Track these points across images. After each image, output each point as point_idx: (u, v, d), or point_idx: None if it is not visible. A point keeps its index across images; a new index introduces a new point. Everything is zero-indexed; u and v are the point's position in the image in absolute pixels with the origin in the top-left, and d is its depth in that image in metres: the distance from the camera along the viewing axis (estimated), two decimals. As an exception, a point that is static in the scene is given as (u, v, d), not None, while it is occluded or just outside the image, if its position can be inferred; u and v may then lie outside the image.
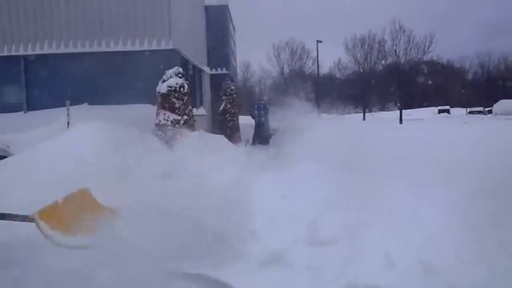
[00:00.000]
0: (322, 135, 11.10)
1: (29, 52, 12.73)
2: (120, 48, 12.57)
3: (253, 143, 18.44)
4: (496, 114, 46.14)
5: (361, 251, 4.08)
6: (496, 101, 50.26)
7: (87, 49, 12.62)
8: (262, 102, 19.27)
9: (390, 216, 4.64)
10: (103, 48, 12.59)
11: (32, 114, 11.89)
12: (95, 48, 12.60)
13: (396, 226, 4.44)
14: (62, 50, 12.65)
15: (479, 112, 54.03)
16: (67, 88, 11.88)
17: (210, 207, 4.92)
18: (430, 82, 60.10)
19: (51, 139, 7.53)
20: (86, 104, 12.12)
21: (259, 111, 18.52)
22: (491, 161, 6.00)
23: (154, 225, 4.30)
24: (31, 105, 12.54)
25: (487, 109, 54.44)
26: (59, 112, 9.82)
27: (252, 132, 18.95)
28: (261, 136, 18.47)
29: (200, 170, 7.22)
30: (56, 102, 11.21)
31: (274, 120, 20.50)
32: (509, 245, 4.01)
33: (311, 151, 8.57)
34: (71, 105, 9.32)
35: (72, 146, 7.43)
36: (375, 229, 4.42)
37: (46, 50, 12.70)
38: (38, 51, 12.72)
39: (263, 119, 18.29)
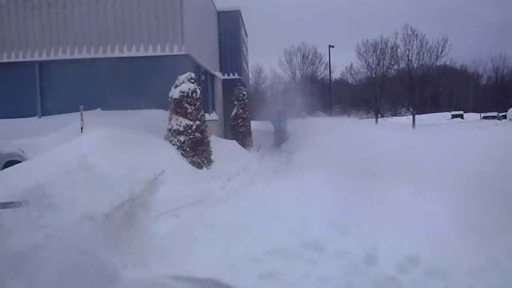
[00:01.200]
0: (333, 140, 11.09)
1: (44, 58, 12.88)
2: (133, 53, 12.68)
3: (276, 147, 18.97)
4: (510, 119, 45.62)
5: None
6: (510, 105, 49.70)
7: (100, 54, 12.74)
8: (280, 109, 20.02)
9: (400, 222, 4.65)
10: (117, 54, 12.70)
11: (46, 119, 12.02)
12: (108, 54, 12.71)
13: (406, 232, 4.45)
14: (76, 55, 12.79)
15: (493, 117, 53.50)
16: (81, 94, 11.99)
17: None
18: (443, 87, 59.67)
19: (64, 144, 7.60)
20: (99, 109, 12.22)
21: (278, 117, 19.09)
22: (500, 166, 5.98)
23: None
24: (46, 110, 12.68)
25: (501, 114, 53.88)
26: (73, 117, 9.93)
27: (263, 137, 19.30)
28: (279, 140, 19.01)
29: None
30: (70, 107, 11.33)
31: (287, 124, 20.86)
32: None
33: (322, 156, 8.55)
34: (84, 110, 9.41)
35: (84, 151, 7.50)
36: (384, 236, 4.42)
37: (60, 56, 12.84)
38: (52, 57, 12.87)
39: (281, 125, 18.97)
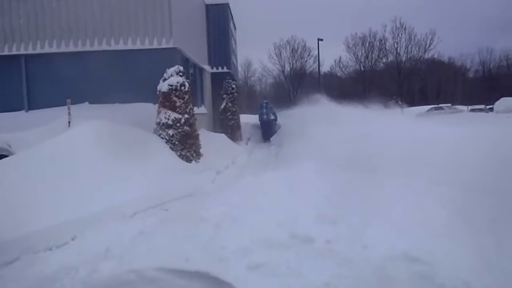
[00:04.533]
0: (322, 133, 11.13)
1: (30, 51, 12.73)
2: (121, 47, 12.58)
3: (264, 139, 18.98)
4: (497, 112, 46.06)
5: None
6: (497, 99, 50.15)
7: (88, 48, 12.62)
8: (265, 101, 20.17)
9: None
10: (104, 47, 12.60)
11: (33, 113, 11.91)
12: (96, 47, 12.61)
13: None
14: (63, 49, 12.66)
15: (481, 110, 54.00)
16: (68, 87, 11.89)
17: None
18: (431, 80, 60.01)
19: (51, 138, 7.54)
20: (87, 103, 12.13)
21: (262, 110, 19.12)
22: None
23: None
24: (32, 104, 12.56)
25: (488, 107, 54.40)
26: (60, 111, 9.84)
27: (252, 130, 19.38)
28: (268, 133, 19.05)
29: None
30: (57, 101, 11.22)
31: (275, 117, 20.89)
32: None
33: (312, 149, 8.57)
34: (72, 104, 9.33)
35: (72, 145, 7.46)
36: (374, 228, 4.45)
37: (47, 49, 12.71)
38: (39, 50, 12.73)
39: (265, 117, 18.97)
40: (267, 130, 19.32)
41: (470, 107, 58.48)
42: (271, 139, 18.61)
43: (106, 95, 11.95)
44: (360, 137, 9.42)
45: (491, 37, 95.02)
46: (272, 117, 19.33)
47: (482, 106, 56.30)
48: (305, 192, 5.43)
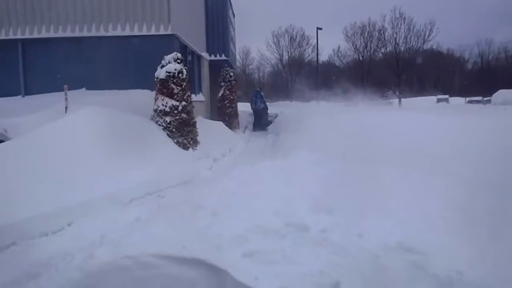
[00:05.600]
0: (319, 123, 11.15)
1: (27, 36, 12.64)
2: (118, 33, 12.49)
3: (254, 129, 18.77)
4: (494, 103, 46.17)
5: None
6: (495, 90, 50.23)
7: (85, 33, 12.53)
8: (259, 89, 19.92)
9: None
10: (102, 33, 12.50)
11: (30, 98, 11.85)
12: (93, 33, 12.51)
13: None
14: (60, 34, 12.56)
15: (478, 101, 54.12)
16: (65, 73, 11.80)
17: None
18: (429, 70, 59.97)
19: (48, 124, 7.52)
20: (84, 89, 12.07)
21: (256, 98, 18.92)
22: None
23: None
24: (29, 90, 12.49)
25: (485, 98, 54.52)
26: (57, 97, 9.80)
27: (249, 118, 19.36)
28: (260, 123, 18.85)
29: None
30: (54, 86, 11.16)
31: (272, 106, 20.74)
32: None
33: (309, 139, 8.58)
34: (69, 90, 9.29)
35: (69, 131, 7.44)
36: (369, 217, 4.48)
37: (44, 34, 12.61)
38: (36, 35, 12.62)
39: (255, 106, 18.90)
40: (257, 119, 19.28)
41: (467, 99, 58.60)
42: (267, 128, 18.60)
43: (104, 81, 11.90)
44: (357, 127, 9.45)
45: (490, 28, 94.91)
46: (262, 105, 19.10)
47: (479, 98, 56.42)
48: (301, 181, 5.46)
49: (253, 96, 19.52)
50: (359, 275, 3.68)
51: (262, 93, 19.62)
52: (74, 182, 6.28)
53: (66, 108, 8.94)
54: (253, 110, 19.43)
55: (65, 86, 9.17)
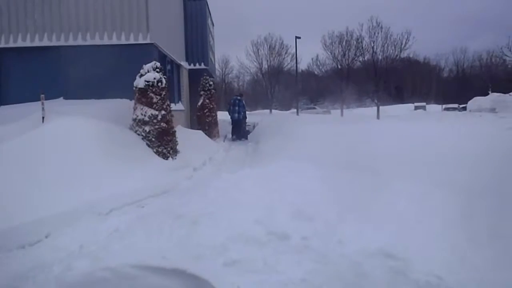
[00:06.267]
0: (300, 132, 11.20)
1: (3, 45, 12.45)
2: (96, 42, 12.39)
3: (232, 139, 18.51)
4: (470, 110, 47.08)
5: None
6: (470, 98, 51.22)
7: (62, 42, 12.40)
8: (238, 97, 19.02)
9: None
10: (80, 42, 12.39)
11: (5, 108, 11.65)
12: (71, 42, 12.39)
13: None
14: (36, 43, 12.41)
15: (454, 109, 55.21)
16: (42, 82, 11.65)
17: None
18: (407, 79, 60.83)
19: (25, 134, 7.41)
20: (61, 98, 11.92)
21: (234, 107, 18.38)
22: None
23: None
24: (5, 99, 12.28)
25: (461, 106, 55.66)
26: (34, 107, 9.65)
27: (230, 127, 19.04)
28: (239, 132, 18.51)
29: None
30: (30, 96, 11.00)
31: (252, 115, 20.47)
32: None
33: (289, 147, 8.60)
34: (46, 99, 9.16)
35: (46, 141, 7.34)
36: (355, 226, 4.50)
37: (20, 43, 12.44)
38: (12, 44, 12.45)
39: (236, 115, 18.25)
40: (237, 129, 18.63)
41: (444, 106, 59.68)
42: (248, 136, 18.48)
43: (82, 91, 11.77)
44: (336, 134, 9.52)
45: (465, 37, 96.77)
46: (242, 115, 18.31)
47: (455, 105, 57.55)
48: (282, 189, 5.46)
49: (231, 104, 18.63)
50: (341, 282, 3.69)
51: (243, 101, 18.87)
52: (51, 192, 6.19)
53: (43, 118, 8.81)
54: (232, 119, 18.62)
55: (42, 95, 9.04)
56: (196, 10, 20.53)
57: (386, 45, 41.54)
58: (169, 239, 4.26)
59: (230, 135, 18.86)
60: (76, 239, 5.11)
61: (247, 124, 19.76)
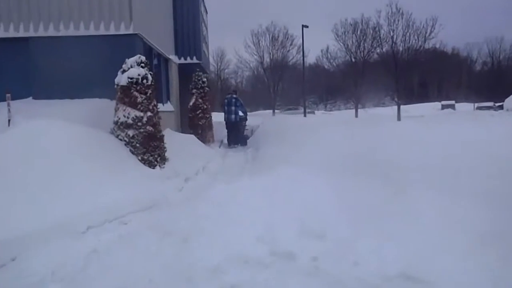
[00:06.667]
0: (307, 137, 11.22)
1: (-37, 36, 12.52)
2: (71, 32, 12.41)
3: (229, 144, 18.40)
4: (507, 109, 46.96)
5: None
6: (507, 95, 51.13)
7: (32, 33, 12.43)
8: (233, 95, 18.68)
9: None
10: (51, 33, 12.41)
11: (-33, 110, 11.70)
12: (41, 33, 12.41)
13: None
14: (1, 34, 12.44)
15: (489, 107, 55.04)
16: (8, 80, 11.68)
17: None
18: (432, 73, 60.82)
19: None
20: (30, 98, 11.96)
21: (229, 107, 18.25)
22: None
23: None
24: (-35, 100, 12.34)
25: (497, 104, 55.47)
26: (-2, 108, 9.70)
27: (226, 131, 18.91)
28: (236, 137, 18.31)
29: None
30: (-5, 96, 11.05)
31: (252, 117, 20.34)
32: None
33: (295, 153, 8.61)
34: (13, 99, 9.21)
35: (12, 148, 7.36)
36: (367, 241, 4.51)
37: (-18, 34, 12.49)
38: (-27, 36, 12.51)
39: (233, 116, 18.03)
40: (234, 133, 18.39)
41: (476, 105, 59.59)
42: (247, 141, 18.38)
43: (54, 89, 11.78)
44: (348, 138, 9.54)
45: (501, 24, 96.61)
46: (241, 115, 18.19)
47: (490, 104, 57.44)
48: (286, 202, 5.47)
49: (226, 104, 18.43)
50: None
51: (240, 99, 18.71)
52: (17, 208, 6.19)
53: (9, 121, 8.84)
54: (227, 122, 18.46)
55: (8, 95, 9.08)
56: (186, -5, 20.58)
57: (408, 34, 41.53)
58: (156, 260, 4.28)
59: (226, 140, 18.78)
60: (48, 262, 5.10)
61: (245, 127, 19.67)
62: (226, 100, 18.76)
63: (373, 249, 4.39)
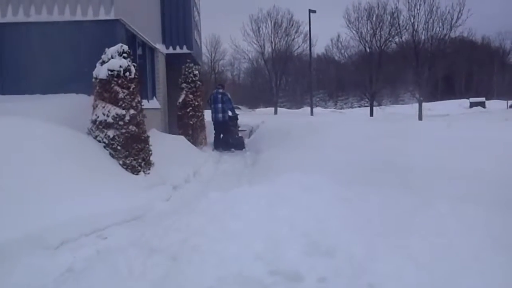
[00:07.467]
0: (315, 139, 11.24)
1: None
2: (43, 18, 12.42)
3: (215, 148, 18.06)
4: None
5: None
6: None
7: (-2, 19, 12.47)
8: (219, 89, 18.50)
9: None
10: (21, 18, 12.42)
11: None
12: (9, 18, 12.43)
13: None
14: (-38, 19, 12.48)
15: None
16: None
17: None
18: (459, 66, 60.84)
19: None
20: (-4, 93, 11.98)
21: (215, 104, 18.18)
22: None
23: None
24: None
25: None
26: (-41, 105, 9.71)
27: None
28: (228, 140, 18.07)
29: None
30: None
31: (248, 116, 20.19)
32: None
33: (300, 157, 8.62)
34: (-25, 94, 9.23)
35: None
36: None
37: None
38: None
39: (220, 115, 17.83)
40: (225, 135, 18.11)
41: (510, 102, 59.64)
42: (244, 144, 18.23)
43: (23, 83, 11.80)
44: (363, 141, 9.54)
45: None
46: (230, 114, 17.95)
47: (526, 101, 57.52)
48: (291, 214, 5.46)
49: (212, 101, 18.18)
50: None
51: (228, 94, 18.46)
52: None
53: (-29, 119, 8.85)
54: (214, 122, 18.21)
55: (-30, 90, 9.09)
56: (175, -24, 20.57)
57: (431, 20, 41.45)
58: (140, 282, 4.27)
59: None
60: (15, 283, 5.10)
61: (239, 128, 19.48)
62: (211, 96, 18.49)
63: (390, 271, 4.38)
